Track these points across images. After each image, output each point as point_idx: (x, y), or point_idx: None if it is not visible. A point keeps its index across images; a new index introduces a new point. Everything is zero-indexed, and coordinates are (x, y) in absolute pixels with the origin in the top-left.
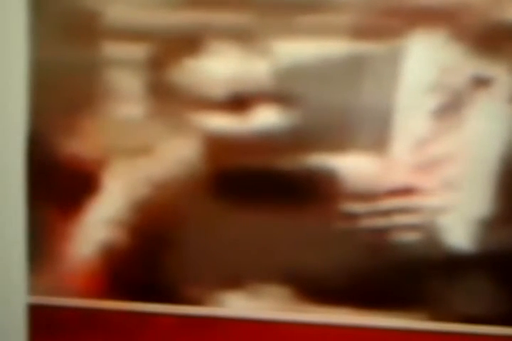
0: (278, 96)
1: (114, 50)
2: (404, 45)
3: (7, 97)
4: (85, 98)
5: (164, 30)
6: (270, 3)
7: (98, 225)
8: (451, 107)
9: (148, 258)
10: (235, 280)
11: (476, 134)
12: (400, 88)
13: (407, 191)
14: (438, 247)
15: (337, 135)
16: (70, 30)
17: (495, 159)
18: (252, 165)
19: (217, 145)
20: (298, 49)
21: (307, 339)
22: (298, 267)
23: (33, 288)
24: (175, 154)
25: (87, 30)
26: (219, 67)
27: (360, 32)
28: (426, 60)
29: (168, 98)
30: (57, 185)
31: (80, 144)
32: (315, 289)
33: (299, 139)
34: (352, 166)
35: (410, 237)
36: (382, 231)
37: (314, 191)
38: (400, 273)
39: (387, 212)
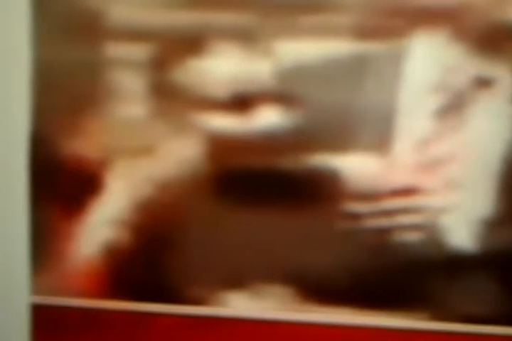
0: (280, 96)
1: (117, 50)
2: (407, 45)
3: (10, 97)
4: (88, 98)
5: (167, 30)
6: (272, 4)
7: (101, 225)
8: (453, 107)
9: (150, 258)
10: (237, 280)
11: (479, 134)
12: (403, 88)
13: (409, 191)
14: (440, 247)
15: (339, 135)
16: (72, 30)
17: (497, 159)
18: (254, 165)
19: (220, 146)
20: (300, 49)
21: (309, 339)
22: (300, 267)
23: (36, 288)
24: (177, 154)
25: (90, 30)
26: (221, 67)
27: (362, 32)
28: (428, 60)
29: (171, 98)
30: (60, 185)
31: (83, 144)
32: (317, 289)
33: (302, 139)
34: (354, 166)
35: (413, 237)
36: (384, 231)
37: (317, 191)
38: (402, 273)
39: (389, 212)
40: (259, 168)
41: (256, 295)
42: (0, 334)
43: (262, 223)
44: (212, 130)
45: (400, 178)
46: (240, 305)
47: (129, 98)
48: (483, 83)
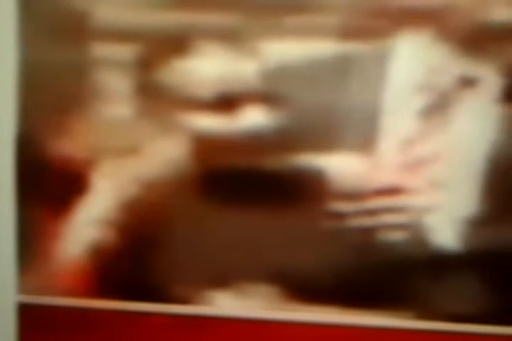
0: (265, 96)
1: (103, 50)
2: (391, 46)
3: None
4: (74, 98)
5: (152, 30)
6: (257, 4)
7: (87, 225)
8: (437, 107)
9: (137, 258)
10: (223, 280)
11: (463, 134)
12: (387, 88)
13: (393, 191)
14: (425, 246)
15: (324, 135)
16: (59, 31)
17: (481, 159)
18: (239, 165)
19: (205, 145)
20: (285, 49)
21: (295, 338)
22: (286, 266)
23: (23, 287)
24: (163, 154)
25: (76, 30)
26: (207, 67)
27: (347, 32)
28: (412, 60)
29: (157, 98)
30: (47, 185)
31: (69, 144)
32: (303, 288)
33: (287, 139)
34: (339, 166)
35: (397, 236)
36: (369, 231)
37: (302, 191)
38: (387, 272)
39: (374, 212)
40: (244, 168)
41: (242, 295)
42: None
43: (248, 222)
44: (198, 130)
45: (384, 178)
46: (225, 304)
47: (115, 98)
48: (467, 83)
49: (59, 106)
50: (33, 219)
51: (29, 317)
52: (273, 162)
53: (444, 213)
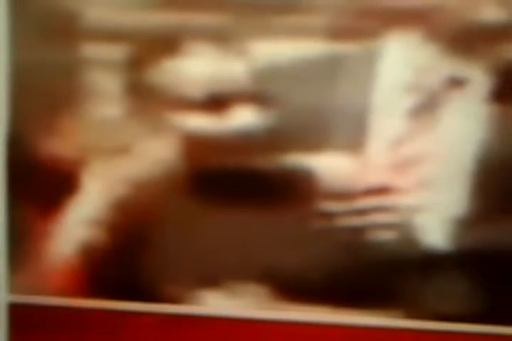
0: (255, 96)
1: (93, 50)
2: (380, 46)
3: None
4: (65, 98)
5: (142, 31)
6: (247, 5)
7: (77, 224)
8: (426, 107)
9: (127, 257)
10: (213, 279)
11: (452, 134)
12: (376, 88)
13: (383, 190)
14: (414, 246)
15: (313, 135)
16: (49, 32)
17: (470, 158)
18: (229, 164)
19: (195, 145)
20: (274, 50)
21: (285, 337)
22: (275, 266)
23: (14, 287)
24: (153, 154)
25: (67, 31)
26: (197, 67)
27: (336, 33)
28: (401, 60)
29: (147, 98)
30: (37, 185)
31: (60, 144)
32: (292, 287)
33: (276, 139)
34: (328, 166)
35: (386, 236)
36: (358, 230)
37: (291, 190)
38: (376, 271)
39: (363, 211)
40: (234, 168)
41: (232, 294)
42: None
43: (237, 222)
44: (188, 130)
45: (373, 177)
46: (216, 303)
47: (106, 98)
48: (456, 83)
49: (49, 106)
50: (23, 219)
51: (20, 316)
52: (263, 162)
53: (433, 213)
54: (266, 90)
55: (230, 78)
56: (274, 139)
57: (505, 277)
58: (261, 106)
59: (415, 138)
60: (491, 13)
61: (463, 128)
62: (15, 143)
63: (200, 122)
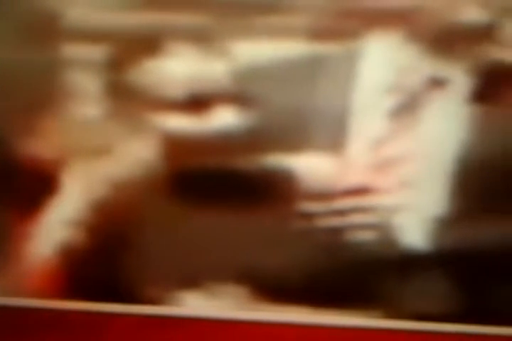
0: (236, 96)
1: (74, 51)
2: (361, 46)
3: None
4: (45, 98)
5: (123, 31)
6: (228, 5)
7: (57, 226)
8: (407, 107)
9: (107, 259)
10: (193, 280)
11: (432, 134)
12: (357, 89)
13: (362, 191)
14: (393, 246)
15: (294, 135)
16: (29, 31)
17: (450, 159)
18: (209, 165)
19: (176, 146)
20: (256, 50)
21: (265, 338)
22: (255, 266)
23: None
24: (133, 154)
25: (47, 31)
26: (177, 67)
27: (317, 33)
28: (382, 60)
29: (127, 99)
30: (16, 186)
31: (39, 145)
32: (272, 288)
33: (257, 139)
34: (308, 166)
35: (366, 236)
36: (338, 231)
37: (271, 191)
38: (355, 272)
39: (343, 212)
40: (214, 168)
41: (211, 295)
42: None
43: (217, 223)
44: (169, 130)
45: (353, 178)
46: (196, 304)
47: (86, 99)
48: (437, 83)
49: (29, 106)
50: (2, 220)
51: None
52: (243, 162)
53: (412, 213)
54: (247, 90)
55: (211, 78)
56: (254, 140)
57: (485, 277)
58: (242, 106)
59: (396, 138)
60: (471, 14)
61: (444, 128)
62: None
63: (180, 123)
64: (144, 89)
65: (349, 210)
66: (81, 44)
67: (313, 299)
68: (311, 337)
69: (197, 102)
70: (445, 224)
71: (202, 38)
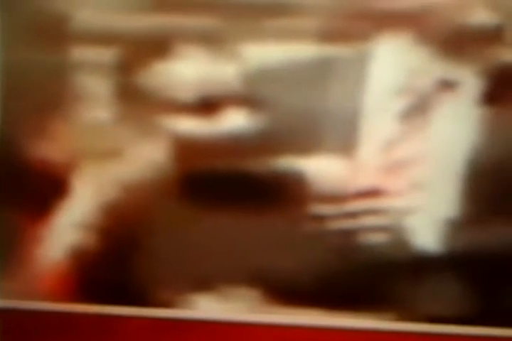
0: (246, 99)
1: (84, 53)
2: (371, 48)
3: None
4: (55, 101)
5: (133, 33)
6: (238, 7)
7: (68, 228)
8: (417, 109)
9: (118, 261)
10: (205, 283)
11: (443, 136)
12: (367, 91)
13: (374, 193)
14: (405, 248)
15: (305, 137)
16: (39, 34)
17: (461, 161)
18: (220, 167)
19: (186, 148)
20: (266, 52)
21: (277, 340)
22: (267, 269)
23: (3, 292)
24: (144, 157)
25: (57, 33)
26: (188, 70)
27: (327, 35)
28: (393, 63)
29: (137, 101)
30: (27, 189)
31: (50, 147)
32: (284, 291)
33: (267, 142)
34: (320, 168)
35: (378, 239)
36: (350, 233)
37: (282, 193)
38: (368, 274)
39: (354, 214)
40: (225, 171)
41: (223, 298)
42: None
43: (229, 225)
44: (179, 133)
45: (365, 180)
46: (208, 307)
47: (96, 101)
48: (447, 85)
49: (40, 109)
50: (13, 223)
51: (10, 322)
52: (254, 165)
53: (424, 215)
54: (257, 93)
55: (221, 81)
56: (265, 142)
57: (497, 279)
58: (252, 108)
59: (406, 140)
60: (481, 16)
61: (454, 130)
62: (4, 146)
63: (191, 125)
64: (154, 92)
65: (361, 212)
66: (91, 46)
67: (326, 302)
68: (324, 339)
69: (207, 105)
70: (457, 226)
71: (212, 41)
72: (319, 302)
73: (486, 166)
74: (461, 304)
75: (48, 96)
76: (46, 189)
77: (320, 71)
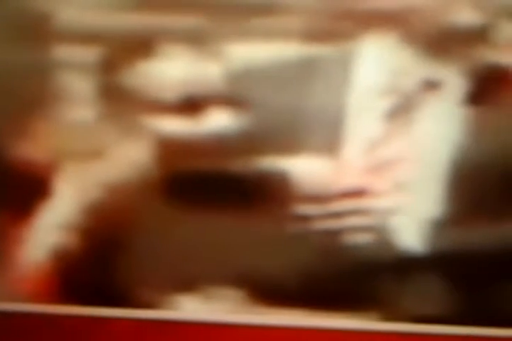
0: (230, 99)
1: (66, 52)
2: (356, 48)
3: None
4: (37, 101)
5: (116, 32)
6: (222, 6)
7: (50, 229)
8: (402, 110)
9: (101, 262)
10: (188, 283)
11: (427, 136)
12: (352, 90)
13: (358, 193)
14: (390, 248)
15: (289, 137)
16: (21, 33)
17: (445, 161)
18: (204, 167)
19: (170, 148)
20: (250, 52)
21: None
22: (251, 269)
23: None
24: (127, 157)
25: (39, 32)
26: (171, 69)
27: (311, 35)
28: (377, 62)
29: (121, 101)
30: (8, 189)
31: (31, 147)
32: (269, 291)
33: (251, 142)
34: (304, 168)
35: (362, 239)
36: (334, 233)
37: (267, 193)
38: (352, 274)
39: (339, 214)
40: (209, 171)
41: (207, 298)
42: None
43: (213, 226)
44: (162, 133)
45: (349, 180)
46: (191, 308)
47: (78, 101)
48: (431, 85)
49: (22, 108)
50: None
51: None
52: (238, 165)
53: (409, 215)
54: (241, 93)
55: (205, 80)
56: (249, 142)
57: (481, 278)
58: (236, 108)
59: (391, 140)
60: (466, 16)
61: (438, 130)
62: None
63: (174, 125)
64: (137, 91)
65: (345, 212)
66: (74, 45)
67: (310, 302)
68: (309, 339)
69: (191, 104)
70: (441, 226)
71: (196, 40)
72: (304, 303)
73: (470, 166)
74: (445, 304)
75: (30, 95)
76: (28, 189)
77: (304, 71)
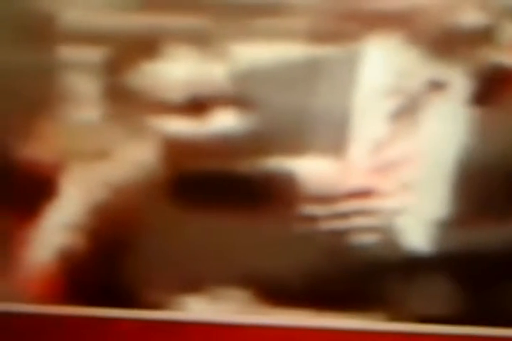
0: (236, 99)
1: (71, 53)
2: (361, 49)
3: None
4: (42, 101)
5: (121, 33)
6: (227, 7)
7: (56, 230)
8: (407, 110)
9: (107, 263)
10: (195, 284)
11: (433, 137)
12: (357, 91)
13: (365, 193)
14: (396, 249)
15: (295, 138)
16: (27, 33)
17: (451, 161)
18: (210, 168)
19: (176, 149)
20: (255, 52)
21: None
22: (258, 270)
23: None
24: (133, 158)
25: (44, 33)
26: (176, 70)
27: (317, 35)
28: (382, 63)
29: (126, 101)
30: (14, 190)
31: (37, 148)
32: (275, 291)
33: (257, 142)
34: (310, 169)
35: (369, 239)
36: (341, 234)
37: (273, 194)
38: (358, 274)
39: (345, 215)
40: (215, 172)
41: (214, 299)
42: None
43: (219, 226)
44: (168, 133)
45: (355, 181)
46: (198, 308)
47: (84, 101)
48: (436, 86)
49: (27, 109)
50: (0, 225)
51: None
52: (244, 165)
53: (415, 215)
54: (247, 93)
55: (210, 81)
56: (255, 142)
57: (487, 278)
58: (242, 109)
59: (396, 141)
60: (470, 17)
61: (444, 131)
62: None
63: (180, 126)
64: (142, 92)
65: (351, 213)
66: (78, 46)
67: (316, 302)
68: (315, 339)
69: (196, 105)
70: (447, 226)
71: (201, 40)
72: (310, 303)
73: (476, 166)
74: (452, 304)
75: (36, 96)
76: (34, 190)
77: (310, 71)
